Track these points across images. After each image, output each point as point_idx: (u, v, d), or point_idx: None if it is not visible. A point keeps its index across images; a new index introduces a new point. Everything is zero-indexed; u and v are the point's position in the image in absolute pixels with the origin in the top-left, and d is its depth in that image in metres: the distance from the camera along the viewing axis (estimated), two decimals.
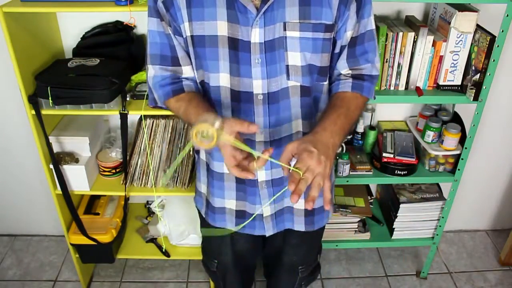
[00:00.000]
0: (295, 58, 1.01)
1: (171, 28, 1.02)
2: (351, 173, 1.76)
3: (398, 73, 1.58)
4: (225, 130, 0.87)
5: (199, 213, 1.33)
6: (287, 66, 1.02)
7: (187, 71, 1.09)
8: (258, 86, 1.02)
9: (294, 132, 1.09)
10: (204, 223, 1.31)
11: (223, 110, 1.07)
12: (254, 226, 1.21)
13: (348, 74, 1.10)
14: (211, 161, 1.17)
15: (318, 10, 0.97)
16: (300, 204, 1.19)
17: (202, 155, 1.21)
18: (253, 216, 1.18)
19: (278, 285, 1.51)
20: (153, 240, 1.96)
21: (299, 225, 1.22)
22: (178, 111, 1.07)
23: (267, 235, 1.22)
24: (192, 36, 1.00)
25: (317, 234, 1.36)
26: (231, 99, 1.05)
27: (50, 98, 1.45)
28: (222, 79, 1.03)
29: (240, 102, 1.05)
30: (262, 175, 1.13)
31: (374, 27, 1.07)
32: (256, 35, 0.97)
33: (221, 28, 0.97)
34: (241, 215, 1.21)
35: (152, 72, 1.09)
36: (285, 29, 0.98)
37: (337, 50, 1.06)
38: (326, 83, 1.10)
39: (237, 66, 1.01)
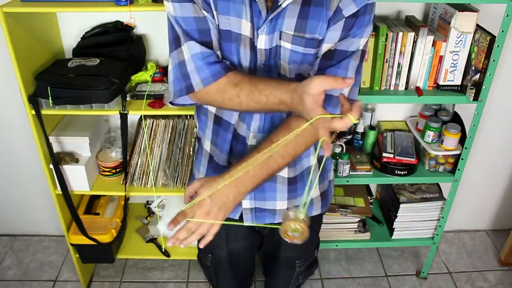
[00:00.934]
0: (284, 68, 1.01)
1: (206, 12, 0.96)
2: (351, 173, 1.76)
3: (398, 73, 1.58)
4: (312, 88, 0.80)
5: None
6: (279, 74, 1.02)
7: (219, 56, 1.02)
8: None
9: None
10: None
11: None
12: None
13: None
14: (216, 153, 1.17)
15: (315, 24, 0.96)
16: (282, 205, 1.20)
17: (206, 146, 1.20)
18: None
19: (276, 280, 1.51)
20: (153, 240, 1.96)
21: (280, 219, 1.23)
22: (239, 94, 0.93)
23: (245, 223, 1.21)
24: (218, 27, 0.99)
25: (314, 228, 1.37)
26: None
27: (50, 98, 1.45)
28: None
29: None
30: None
31: (361, 48, 0.99)
32: (262, 41, 0.98)
33: (245, 27, 0.97)
34: None
35: (190, 52, 0.95)
36: (280, 38, 0.97)
37: None
38: None
39: (251, 67, 1.02)
